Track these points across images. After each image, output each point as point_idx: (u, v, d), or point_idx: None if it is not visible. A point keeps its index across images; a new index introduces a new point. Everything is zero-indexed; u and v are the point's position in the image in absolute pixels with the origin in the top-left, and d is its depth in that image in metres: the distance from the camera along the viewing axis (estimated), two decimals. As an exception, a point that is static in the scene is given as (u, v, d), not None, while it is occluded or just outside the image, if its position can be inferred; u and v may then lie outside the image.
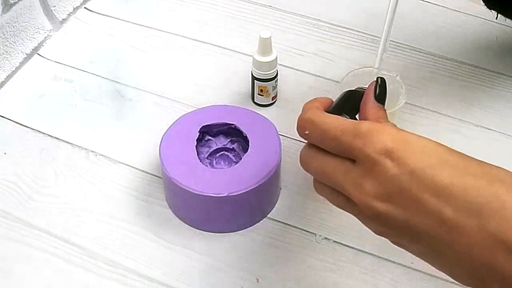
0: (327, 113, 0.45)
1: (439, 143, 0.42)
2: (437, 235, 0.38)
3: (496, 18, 0.71)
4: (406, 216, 0.39)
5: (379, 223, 0.41)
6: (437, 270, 0.59)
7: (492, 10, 0.70)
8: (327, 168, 0.43)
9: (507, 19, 0.72)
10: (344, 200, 0.43)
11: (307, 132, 0.45)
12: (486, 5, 0.70)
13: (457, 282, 0.59)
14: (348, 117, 0.47)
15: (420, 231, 0.39)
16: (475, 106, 0.73)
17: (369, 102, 0.47)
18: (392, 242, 0.43)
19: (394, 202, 0.39)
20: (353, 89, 0.50)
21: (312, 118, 0.45)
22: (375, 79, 0.48)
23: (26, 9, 0.77)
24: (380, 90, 0.47)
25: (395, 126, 0.43)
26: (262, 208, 0.62)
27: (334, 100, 0.50)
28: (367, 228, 0.63)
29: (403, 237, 0.41)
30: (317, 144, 0.44)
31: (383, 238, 0.57)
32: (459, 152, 0.42)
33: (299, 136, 0.69)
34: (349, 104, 0.48)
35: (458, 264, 0.39)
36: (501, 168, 0.40)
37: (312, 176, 0.46)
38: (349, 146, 0.41)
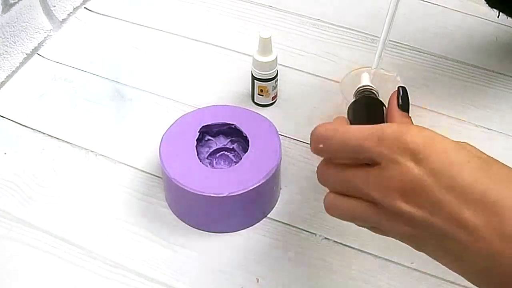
0: (338, 125, 0.45)
1: (464, 144, 0.42)
2: (456, 237, 0.38)
3: (498, 17, 0.71)
4: (427, 216, 0.39)
5: (402, 224, 0.41)
6: (437, 271, 0.59)
7: (494, 9, 0.70)
8: (347, 177, 0.43)
9: (508, 17, 0.72)
10: (367, 207, 0.43)
11: (321, 145, 0.44)
12: (487, 3, 0.70)
13: (457, 283, 0.59)
14: None
15: (440, 233, 0.39)
16: (475, 106, 0.73)
17: (395, 112, 0.46)
18: (415, 247, 0.42)
19: (417, 202, 0.39)
20: (367, 91, 0.49)
21: (325, 134, 0.43)
22: (397, 89, 0.47)
23: (26, 9, 0.77)
24: (403, 99, 0.47)
25: (422, 127, 0.42)
26: (262, 208, 0.62)
27: (349, 115, 0.49)
28: (366, 229, 0.62)
29: (424, 240, 0.41)
30: (334, 156, 0.44)
31: (385, 238, 0.57)
32: (482, 153, 0.41)
33: (299, 136, 0.70)
34: (372, 114, 0.48)
35: (475, 268, 0.39)
36: None
37: (326, 198, 0.45)
38: (372, 150, 0.41)
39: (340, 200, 0.44)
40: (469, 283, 0.58)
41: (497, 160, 0.41)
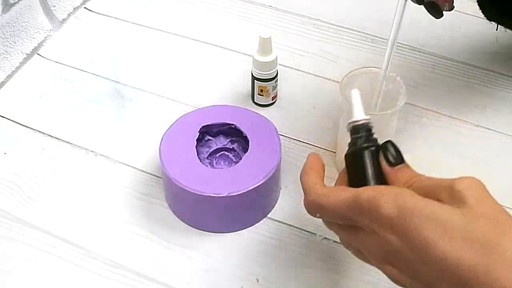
0: (326, 189, 0.46)
1: (447, 206, 0.40)
2: None
3: (496, 29, 0.71)
4: (408, 280, 0.41)
5: (391, 280, 0.43)
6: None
7: (492, 22, 0.71)
8: (344, 238, 0.47)
9: (507, 29, 0.72)
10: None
11: (318, 214, 0.47)
12: (485, 16, 0.70)
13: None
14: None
15: None
16: (475, 106, 0.73)
17: (388, 170, 0.46)
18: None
19: (399, 269, 0.41)
20: (361, 137, 0.48)
21: (316, 201, 0.46)
22: (382, 146, 0.47)
23: (26, 9, 0.77)
24: (392, 155, 0.46)
25: (399, 189, 0.42)
26: (262, 208, 0.62)
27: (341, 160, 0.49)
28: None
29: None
30: (332, 219, 0.47)
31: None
32: (470, 212, 0.40)
33: (299, 136, 0.70)
34: (368, 168, 0.47)
35: None
36: None
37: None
38: (357, 219, 0.43)
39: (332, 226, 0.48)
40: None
41: (485, 217, 0.40)
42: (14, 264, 0.59)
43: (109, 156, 0.68)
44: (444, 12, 0.57)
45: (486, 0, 0.69)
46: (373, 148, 0.47)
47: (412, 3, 0.55)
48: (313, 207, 0.46)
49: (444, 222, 0.38)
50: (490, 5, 0.69)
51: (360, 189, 0.43)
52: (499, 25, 0.71)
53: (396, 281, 0.42)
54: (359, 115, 0.48)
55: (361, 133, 0.48)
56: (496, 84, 0.75)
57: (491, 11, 0.70)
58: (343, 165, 0.49)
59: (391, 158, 0.45)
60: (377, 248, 0.42)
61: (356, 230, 0.44)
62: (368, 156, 0.46)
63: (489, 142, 0.69)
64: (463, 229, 0.38)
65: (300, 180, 0.48)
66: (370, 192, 0.42)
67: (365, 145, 0.47)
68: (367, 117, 0.48)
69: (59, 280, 0.58)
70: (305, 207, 0.47)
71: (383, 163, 0.46)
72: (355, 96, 0.49)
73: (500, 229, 0.38)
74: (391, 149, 0.46)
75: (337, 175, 0.50)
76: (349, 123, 0.49)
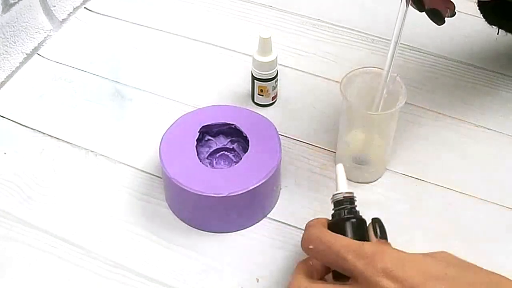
0: (331, 232, 0.49)
1: (439, 258, 0.46)
2: None
3: (498, 33, 0.71)
4: None
5: None
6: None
7: (493, 26, 0.71)
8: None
9: (508, 34, 0.72)
10: None
11: (311, 246, 0.49)
12: (486, 20, 0.70)
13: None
14: None
15: None
16: (475, 106, 0.73)
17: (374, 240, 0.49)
18: None
19: None
20: (345, 209, 0.52)
21: (318, 234, 0.49)
22: (371, 222, 0.50)
23: (26, 9, 0.77)
24: (381, 231, 0.49)
25: (395, 249, 0.47)
26: (262, 208, 0.62)
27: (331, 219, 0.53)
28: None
29: None
30: (319, 258, 0.49)
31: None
32: (460, 262, 0.46)
33: (299, 136, 0.70)
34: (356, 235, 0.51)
35: None
36: (502, 276, 0.44)
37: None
38: (351, 265, 0.45)
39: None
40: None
41: (474, 268, 0.45)
42: (14, 264, 0.59)
43: (109, 156, 0.68)
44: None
45: (487, 5, 0.69)
46: (354, 220, 0.51)
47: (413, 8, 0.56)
48: (312, 237, 0.49)
49: (438, 269, 0.44)
50: (491, 10, 0.69)
51: (366, 242, 0.47)
52: (500, 29, 0.71)
53: None
54: (343, 188, 0.52)
55: (344, 205, 0.52)
56: (496, 84, 0.75)
57: (492, 16, 0.70)
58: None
59: (379, 232, 0.49)
60: None
61: (342, 277, 0.47)
62: (350, 227, 0.50)
63: (489, 142, 0.69)
64: (457, 274, 0.44)
65: (306, 227, 0.51)
66: (372, 244, 0.47)
67: (348, 216, 0.51)
68: (350, 190, 0.52)
69: (59, 280, 0.58)
70: (303, 237, 0.50)
71: (371, 233, 0.49)
72: (340, 170, 0.53)
73: None
74: (381, 227, 0.50)
75: None
76: (333, 195, 0.53)
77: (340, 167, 0.53)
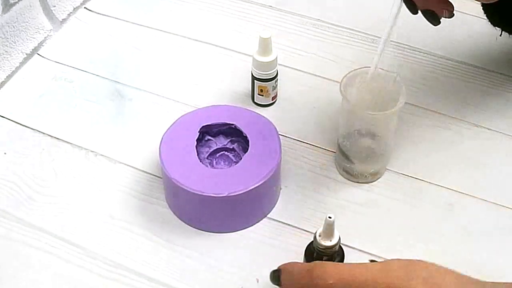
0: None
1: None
2: None
3: (500, 35, 0.71)
4: None
5: None
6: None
7: (496, 27, 0.71)
8: None
9: (510, 36, 0.72)
10: None
11: (331, 282, 0.42)
12: (490, 22, 0.70)
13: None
14: None
15: None
16: (475, 106, 0.73)
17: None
18: None
19: None
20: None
21: (338, 265, 0.43)
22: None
23: (26, 9, 0.77)
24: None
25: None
26: (262, 208, 0.62)
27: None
28: (366, 229, 0.63)
29: None
30: None
31: (384, 238, 0.57)
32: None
33: (299, 136, 0.70)
34: None
35: None
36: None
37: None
38: (384, 282, 0.41)
39: None
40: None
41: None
42: (14, 264, 0.59)
43: (109, 156, 0.68)
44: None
45: (491, 7, 0.69)
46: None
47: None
48: (330, 273, 0.43)
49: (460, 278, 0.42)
50: (494, 11, 0.69)
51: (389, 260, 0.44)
52: (503, 31, 0.71)
53: None
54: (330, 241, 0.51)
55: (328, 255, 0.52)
56: (496, 84, 0.75)
57: (496, 17, 0.70)
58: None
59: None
60: None
61: None
62: None
63: (489, 142, 0.69)
64: None
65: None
66: (400, 260, 0.43)
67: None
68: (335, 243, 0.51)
69: (59, 280, 0.58)
70: (315, 273, 0.43)
71: None
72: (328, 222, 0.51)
73: None
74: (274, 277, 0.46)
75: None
76: (317, 242, 0.51)
77: (330, 219, 0.50)
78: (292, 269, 0.45)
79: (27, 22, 0.77)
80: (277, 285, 0.46)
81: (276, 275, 0.46)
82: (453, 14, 0.56)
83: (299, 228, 0.62)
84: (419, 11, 0.56)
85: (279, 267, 0.46)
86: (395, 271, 0.41)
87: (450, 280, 0.41)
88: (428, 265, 0.42)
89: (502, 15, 0.69)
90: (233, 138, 0.65)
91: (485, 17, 0.70)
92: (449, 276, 0.41)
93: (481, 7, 0.70)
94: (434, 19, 0.56)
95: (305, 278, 0.43)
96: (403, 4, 0.56)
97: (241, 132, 0.63)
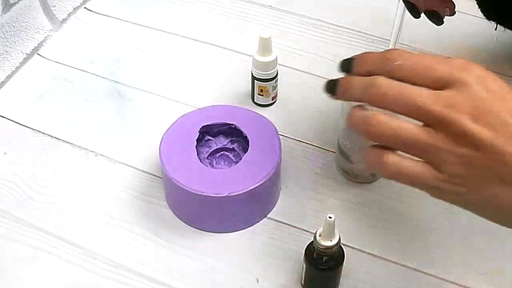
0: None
1: None
2: None
3: (496, 29, 0.71)
4: (492, 137, 0.40)
5: (463, 145, 0.41)
6: (437, 270, 0.59)
7: (492, 22, 0.71)
8: (413, 96, 0.42)
9: (506, 29, 0.72)
10: (421, 129, 0.42)
11: (398, 62, 0.43)
12: (485, 16, 0.70)
13: (457, 282, 0.59)
14: None
15: (500, 158, 0.40)
16: (475, 106, 0.73)
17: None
18: (462, 196, 0.44)
19: (483, 122, 0.40)
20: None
21: (404, 51, 0.44)
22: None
23: (26, 9, 0.77)
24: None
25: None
26: (262, 208, 0.62)
27: None
28: (366, 229, 0.63)
29: (475, 182, 0.42)
30: (406, 74, 0.43)
31: (384, 239, 0.56)
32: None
33: (299, 136, 0.69)
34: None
35: None
36: None
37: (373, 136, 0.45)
38: (446, 72, 0.42)
39: (385, 118, 0.43)
40: (470, 283, 0.59)
41: None
42: (14, 264, 0.59)
43: (109, 156, 0.68)
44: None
45: (485, 1, 0.69)
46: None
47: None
48: (398, 53, 0.44)
49: None
50: (488, 5, 0.69)
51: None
52: (498, 25, 0.71)
53: (468, 146, 0.41)
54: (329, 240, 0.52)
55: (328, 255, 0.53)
56: (496, 84, 0.75)
57: (490, 11, 0.70)
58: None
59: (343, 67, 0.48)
60: (464, 101, 0.41)
61: (430, 89, 0.42)
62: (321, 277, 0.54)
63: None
64: None
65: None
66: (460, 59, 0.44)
67: (322, 267, 0.53)
68: (335, 243, 0.52)
69: (59, 280, 0.58)
70: (390, 53, 0.44)
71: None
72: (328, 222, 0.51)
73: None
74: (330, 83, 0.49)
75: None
76: (318, 243, 0.52)
77: (330, 219, 0.51)
78: (366, 55, 0.46)
79: (27, 22, 0.77)
80: (333, 93, 0.49)
81: (343, 73, 0.48)
82: (455, 12, 0.56)
83: (299, 228, 0.62)
84: (422, 14, 0.56)
85: (351, 57, 0.46)
86: (456, 63, 0.43)
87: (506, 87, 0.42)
88: (485, 71, 0.43)
89: (497, 9, 0.69)
90: (233, 138, 0.65)
91: (481, 13, 0.70)
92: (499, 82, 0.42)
93: (476, 2, 0.70)
94: (437, 19, 0.56)
95: (379, 57, 0.44)
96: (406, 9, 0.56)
97: (241, 132, 0.63)
